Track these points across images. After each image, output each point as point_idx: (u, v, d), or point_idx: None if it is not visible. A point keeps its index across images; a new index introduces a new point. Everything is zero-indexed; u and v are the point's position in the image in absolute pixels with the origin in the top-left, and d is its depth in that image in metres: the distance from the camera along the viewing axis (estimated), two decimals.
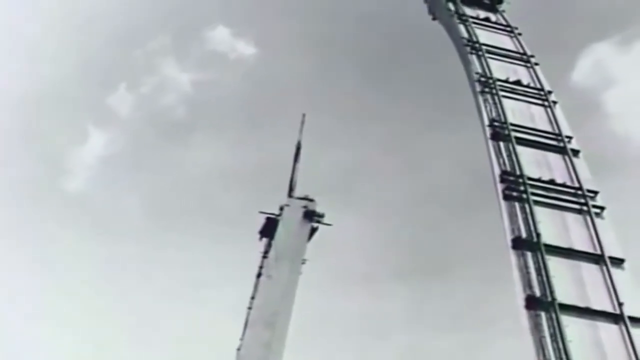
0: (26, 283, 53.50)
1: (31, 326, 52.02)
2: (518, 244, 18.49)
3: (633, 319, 16.86)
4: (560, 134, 23.12)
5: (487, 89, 24.62)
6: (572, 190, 20.84)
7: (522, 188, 20.28)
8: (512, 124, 22.85)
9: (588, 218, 19.91)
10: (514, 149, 21.75)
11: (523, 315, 16.77)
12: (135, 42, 71.95)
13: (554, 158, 22.21)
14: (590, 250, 18.85)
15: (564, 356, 15.73)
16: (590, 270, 18.30)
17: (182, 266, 57.58)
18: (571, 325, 16.43)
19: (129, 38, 70.59)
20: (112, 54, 70.73)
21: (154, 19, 71.45)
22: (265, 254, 41.55)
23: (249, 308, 38.91)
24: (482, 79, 25.15)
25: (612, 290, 17.60)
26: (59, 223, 59.64)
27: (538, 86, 25.56)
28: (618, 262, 18.52)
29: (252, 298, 39.23)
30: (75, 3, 67.84)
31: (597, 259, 18.59)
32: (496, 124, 22.92)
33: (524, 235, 18.73)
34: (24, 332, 51.03)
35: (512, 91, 24.90)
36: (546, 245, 18.36)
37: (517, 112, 23.83)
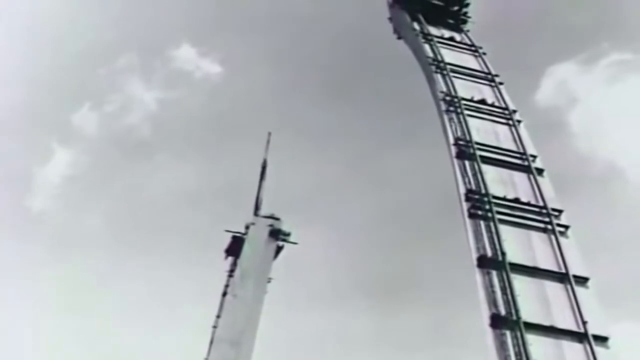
0: None
1: None
2: (483, 262, 18.51)
3: (597, 338, 16.93)
4: (524, 153, 23.23)
5: (452, 108, 24.70)
6: (537, 209, 20.92)
7: (487, 207, 20.32)
8: (477, 143, 22.94)
9: (552, 237, 19.98)
10: (479, 167, 21.82)
11: (489, 333, 16.76)
12: (100, 61, 71.55)
13: (519, 177, 22.30)
14: (555, 269, 18.91)
15: None
16: (554, 288, 18.35)
17: (147, 285, 57.15)
18: (536, 343, 16.47)
19: (94, 57, 70.17)
20: (77, 72, 70.34)
21: (119, 38, 71.15)
22: (231, 273, 41.38)
23: (214, 327, 38.69)
24: (447, 97, 25.24)
25: (577, 308, 17.66)
26: (22, 241, 58.97)
27: (502, 105, 25.69)
28: (582, 280, 18.60)
29: (218, 317, 39.03)
30: (40, 21, 67.40)
31: (561, 277, 18.67)
32: (461, 142, 22.98)
33: (489, 253, 18.76)
34: None
35: (477, 110, 25.00)
36: (511, 264, 18.39)
37: (482, 131, 23.92)
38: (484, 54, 29.36)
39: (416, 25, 30.68)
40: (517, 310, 17.04)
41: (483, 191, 20.86)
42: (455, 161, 22.22)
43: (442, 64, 27.33)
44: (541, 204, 21.08)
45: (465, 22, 32.56)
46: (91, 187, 69.67)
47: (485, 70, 27.95)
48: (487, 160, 22.35)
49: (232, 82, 74.15)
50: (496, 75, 27.55)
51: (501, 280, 17.98)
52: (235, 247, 41.76)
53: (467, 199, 20.64)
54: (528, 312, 17.11)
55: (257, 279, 39.17)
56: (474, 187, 21.06)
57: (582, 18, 68.41)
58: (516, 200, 21.02)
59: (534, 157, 23.12)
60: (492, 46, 30.92)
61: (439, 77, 26.57)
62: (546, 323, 17.16)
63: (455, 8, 32.97)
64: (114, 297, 56.91)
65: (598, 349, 16.71)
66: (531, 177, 22.26)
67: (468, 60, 28.68)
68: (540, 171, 22.52)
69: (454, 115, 24.32)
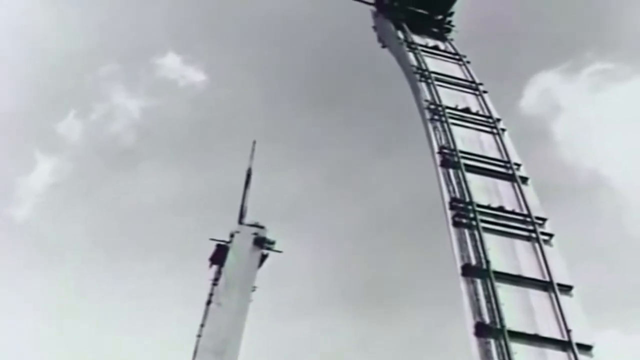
0: None
1: None
2: (468, 271, 18.47)
3: (581, 346, 16.91)
4: (509, 162, 23.24)
5: (436, 117, 24.70)
6: (521, 218, 20.92)
7: (471, 215, 20.30)
8: (461, 151, 22.93)
9: (537, 245, 19.97)
10: (463, 176, 21.81)
11: (473, 342, 16.74)
12: (84, 69, 71.42)
13: (503, 185, 22.31)
14: (539, 277, 18.90)
15: None
16: (539, 297, 18.34)
17: (131, 294, 56.97)
18: (520, 352, 16.44)
19: (78, 65, 70.03)
20: (61, 80, 70.16)
21: (103, 46, 71.09)
22: (215, 281, 41.33)
23: (199, 336, 38.63)
24: (432, 106, 25.24)
25: (561, 317, 17.64)
26: (5, 251, 58.69)
27: (487, 114, 25.72)
28: (566, 289, 18.59)
29: (202, 326, 38.97)
30: (24, 28, 67.18)
31: (545, 285, 18.65)
32: (445, 151, 22.98)
33: (473, 262, 18.72)
34: None
35: (461, 119, 25.02)
36: (496, 272, 18.36)
37: (467, 139, 23.94)
38: (468, 62, 29.40)
39: (400, 34, 30.69)
40: (501, 319, 17.01)
41: (467, 199, 20.84)
42: (440, 169, 22.22)
43: (426, 73, 27.33)
44: (525, 212, 21.08)
45: (449, 30, 32.61)
46: (75, 195, 69.53)
47: (470, 79, 27.98)
48: (471, 169, 22.35)
49: (217, 91, 74.27)
50: (480, 84, 27.58)
51: (485, 288, 17.95)
52: (219, 256, 41.78)
53: (452, 208, 20.62)
54: (512, 321, 17.08)
55: (242, 287, 39.19)
56: (458, 196, 21.04)
57: (566, 27, 68.85)
58: (500, 208, 21.02)
59: (518, 165, 23.14)
60: (476, 55, 31.02)
61: (423, 85, 26.57)
62: (530, 331, 17.14)
63: (440, 17, 33.04)
64: (98, 305, 56.76)
65: (582, 357, 16.70)
66: (515, 185, 22.27)
67: (452, 69, 28.73)
68: (524, 180, 22.53)
69: (438, 124, 24.33)
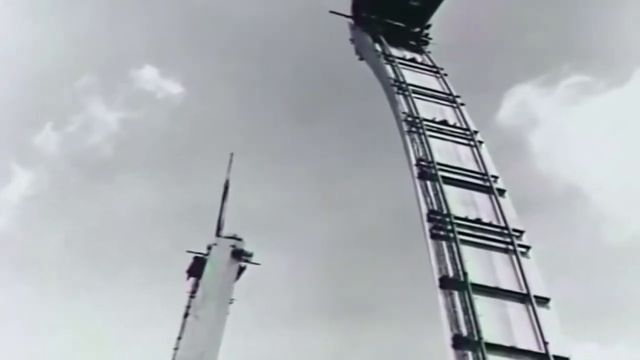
0: None
1: None
2: (445, 283, 18.49)
3: (558, 358, 16.98)
4: (486, 174, 23.31)
5: (414, 129, 24.75)
6: (498, 230, 20.98)
7: (449, 227, 20.33)
8: (439, 164, 22.97)
9: (514, 257, 20.03)
10: (441, 188, 21.84)
11: (450, 354, 16.74)
12: (62, 81, 71.09)
13: (481, 197, 22.36)
14: (516, 289, 18.95)
15: None
16: (516, 309, 18.39)
17: (108, 306, 56.64)
18: None
19: (55, 77, 69.76)
20: (38, 93, 69.86)
21: (81, 58, 70.81)
22: (192, 294, 41.22)
23: (175, 349, 38.48)
24: (409, 118, 25.28)
25: (538, 329, 17.70)
26: None
27: (464, 126, 25.80)
28: (543, 301, 18.65)
29: (179, 338, 38.82)
30: (0, 41, 66.81)
31: (523, 298, 18.70)
32: (423, 163, 23.02)
33: (451, 274, 18.74)
34: None
35: (439, 131, 25.08)
36: (473, 285, 18.39)
37: (444, 151, 23.99)
38: (446, 75, 29.51)
39: (378, 47, 30.77)
40: (478, 331, 17.03)
41: (445, 212, 20.87)
42: (417, 182, 22.24)
43: (403, 85, 27.39)
44: (503, 224, 21.14)
45: (426, 43, 32.74)
46: (52, 207, 69.17)
47: (447, 91, 28.07)
48: (449, 181, 22.39)
49: (194, 103, 74.22)
50: (457, 96, 27.67)
51: (463, 300, 17.97)
52: (197, 268, 41.67)
53: (429, 220, 20.65)
54: (490, 333, 17.11)
55: (219, 299, 39.03)
56: (435, 208, 21.07)
57: (542, 40, 69.42)
58: (478, 220, 21.06)
59: (496, 177, 23.21)
60: (453, 67, 31.16)
61: (401, 98, 26.63)
62: (507, 344, 17.16)
63: (417, 30, 33.17)
64: (74, 318, 56.34)
65: None
66: (493, 197, 22.33)
67: (429, 81, 28.80)
68: (501, 192, 22.60)
69: (415, 136, 24.37)
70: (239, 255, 41.22)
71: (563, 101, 69.43)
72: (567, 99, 69.62)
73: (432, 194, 21.67)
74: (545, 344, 17.26)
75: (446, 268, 18.94)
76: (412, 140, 24.17)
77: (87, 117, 73.00)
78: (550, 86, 76.55)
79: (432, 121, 25.42)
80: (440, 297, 18.16)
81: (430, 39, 33.01)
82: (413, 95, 26.78)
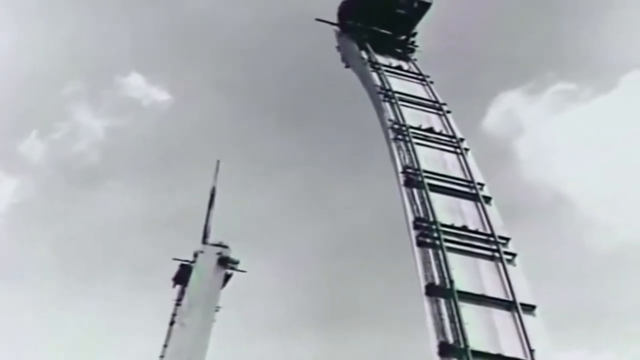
0: None
1: None
2: (432, 290, 18.47)
3: None
4: (472, 181, 23.33)
5: (400, 136, 24.75)
6: (485, 237, 20.99)
7: (435, 235, 20.33)
8: (425, 171, 22.97)
9: (500, 264, 20.05)
10: (427, 195, 21.83)
11: None
12: (47, 88, 70.88)
13: (467, 205, 22.37)
14: (503, 297, 18.96)
15: None
16: (502, 316, 18.41)
17: (94, 314, 56.40)
18: None
19: (41, 84, 69.54)
20: (24, 100, 69.61)
21: (67, 65, 70.61)
22: (178, 302, 41.14)
23: (161, 356, 38.40)
24: (395, 126, 25.28)
25: (524, 336, 17.71)
26: None
27: (450, 133, 25.83)
28: (529, 308, 18.67)
29: (165, 346, 38.73)
30: None
31: (509, 305, 18.71)
32: (409, 170, 23.01)
33: (437, 282, 18.73)
34: None
35: (425, 138, 25.09)
36: (459, 292, 18.39)
37: (430, 159, 24.00)
38: (432, 82, 29.52)
39: (364, 54, 30.78)
40: (465, 339, 17.02)
41: (431, 219, 20.87)
42: (403, 189, 22.24)
43: (390, 93, 27.39)
44: (489, 231, 21.15)
45: (412, 51, 32.76)
46: (38, 214, 68.85)
47: (433, 99, 28.09)
48: (435, 189, 22.39)
49: (181, 110, 74.17)
50: (444, 104, 27.69)
51: (449, 308, 17.97)
52: (183, 276, 41.61)
53: (416, 227, 20.64)
54: (476, 341, 17.10)
55: (205, 307, 38.95)
56: (422, 215, 21.07)
57: (528, 48, 69.74)
58: (464, 228, 21.07)
59: (482, 185, 23.23)
60: (439, 75, 31.22)
61: (387, 105, 26.62)
62: (494, 351, 17.17)
63: (403, 37, 33.20)
64: (60, 325, 56.12)
65: None
66: (479, 205, 22.35)
67: (416, 89, 28.82)
68: (487, 199, 22.63)
69: (402, 144, 24.37)
70: (225, 262, 41.13)
71: (549, 109, 69.75)
72: (553, 107, 69.95)
73: (418, 201, 21.67)
74: (532, 351, 17.27)
75: (432, 275, 18.92)
76: (399, 147, 24.17)
77: (73, 124, 72.92)
78: (536, 94, 77.00)
79: (419, 129, 25.42)
80: (426, 305, 18.14)
81: (416, 46, 33.04)
82: (399, 102, 26.77)
